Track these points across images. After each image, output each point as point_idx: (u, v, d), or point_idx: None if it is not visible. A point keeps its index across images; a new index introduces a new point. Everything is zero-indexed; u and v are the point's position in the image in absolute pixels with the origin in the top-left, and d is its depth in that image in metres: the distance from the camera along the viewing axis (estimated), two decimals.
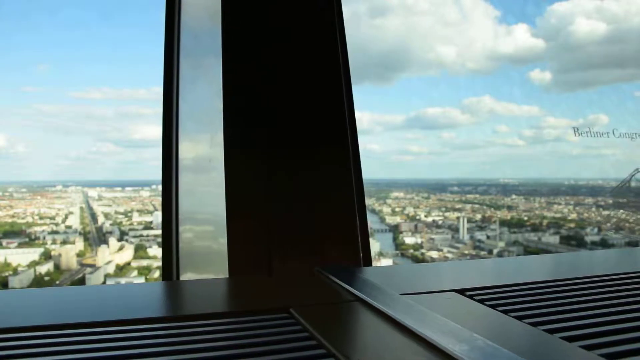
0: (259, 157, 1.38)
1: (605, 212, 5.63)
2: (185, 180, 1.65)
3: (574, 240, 5.86)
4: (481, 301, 0.95)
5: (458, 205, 6.68)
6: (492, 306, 0.92)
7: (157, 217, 5.35)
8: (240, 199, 1.34)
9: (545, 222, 6.19)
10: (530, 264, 1.58)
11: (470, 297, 0.98)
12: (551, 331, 0.79)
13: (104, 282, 5.50)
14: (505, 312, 0.89)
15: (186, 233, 1.65)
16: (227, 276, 1.27)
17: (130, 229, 6.02)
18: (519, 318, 0.85)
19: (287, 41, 1.45)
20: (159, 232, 1.70)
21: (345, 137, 1.45)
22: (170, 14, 1.72)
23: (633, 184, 3.12)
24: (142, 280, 5.51)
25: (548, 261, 1.68)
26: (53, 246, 5.84)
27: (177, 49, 1.70)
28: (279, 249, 1.35)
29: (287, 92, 1.43)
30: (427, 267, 1.58)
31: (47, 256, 5.72)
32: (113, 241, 5.92)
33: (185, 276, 1.62)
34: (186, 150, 1.66)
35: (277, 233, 1.36)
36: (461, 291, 1.01)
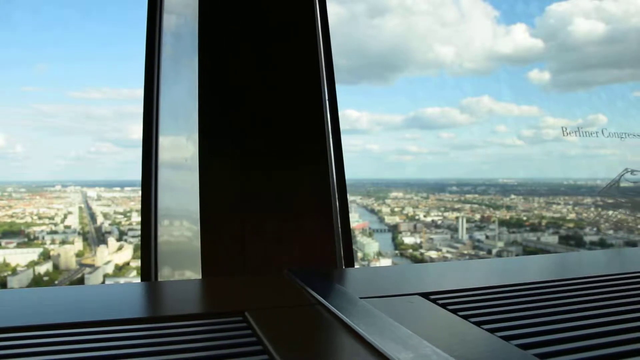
0: (233, 156, 1.36)
1: (593, 212, 5.63)
2: (165, 180, 1.63)
3: (572, 240, 5.86)
4: (444, 305, 0.94)
5: (457, 205, 6.68)
6: (454, 311, 0.91)
7: None
8: (214, 198, 1.32)
9: (544, 222, 6.20)
10: (503, 267, 1.56)
11: (434, 300, 0.97)
12: (508, 338, 0.77)
13: (103, 282, 5.50)
14: (465, 317, 0.88)
15: (165, 233, 1.63)
16: (200, 277, 1.25)
17: (130, 229, 6.02)
18: (478, 324, 0.84)
19: (264, 40, 1.43)
20: None
21: (323, 137, 1.43)
22: (152, 12, 1.70)
23: (622, 184, 3.13)
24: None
25: (521, 264, 1.65)
26: (52, 246, 5.84)
27: (158, 47, 1.68)
28: (253, 250, 1.33)
29: (264, 92, 1.41)
30: (397, 270, 1.53)
31: (46, 256, 5.71)
32: (112, 241, 5.92)
33: (164, 277, 1.61)
34: (165, 149, 1.64)
35: (252, 233, 1.34)
36: (426, 295, 1.00)
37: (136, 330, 0.81)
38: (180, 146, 1.50)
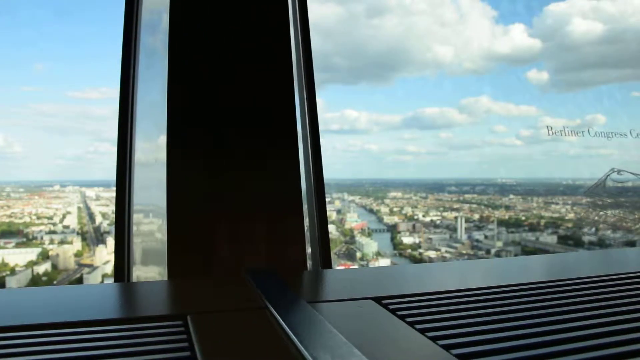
0: (202, 156, 1.34)
1: (583, 212, 5.64)
2: (139, 180, 1.62)
3: (571, 240, 5.87)
4: (394, 310, 0.93)
5: (456, 205, 6.68)
6: (402, 317, 0.89)
7: None
8: (181, 199, 1.30)
9: (542, 221, 6.21)
10: (466, 270, 1.53)
11: (386, 305, 0.95)
12: (448, 347, 0.76)
13: (102, 282, 5.50)
14: (412, 323, 0.86)
15: (140, 234, 1.62)
16: (166, 278, 1.23)
17: None
18: (423, 331, 0.82)
19: (235, 38, 1.41)
20: None
21: (293, 137, 1.41)
22: (130, 10, 1.68)
23: (609, 183, 3.14)
24: None
25: (485, 267, 1.62)
26: (50, 246, 5.83)
27: (134, 46, 1.66)
28: (220, 251, 1.31)
29: (235, 91, 1.39)
30: (358, 273, 1.49)
31: (44, 256, 5.71)
32: (111, 241, 5.91)
33: (140, 277, 1.60)
34: (140, 149, 1.63)
35: (219, 234, 1.32)
36: (379, 299, 0.99)
37: (64, 335, 0.80)
38: (155, 145, 1.49)
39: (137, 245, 1.61)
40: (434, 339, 0.79)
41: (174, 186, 1.30)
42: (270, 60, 1.43)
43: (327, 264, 1.47)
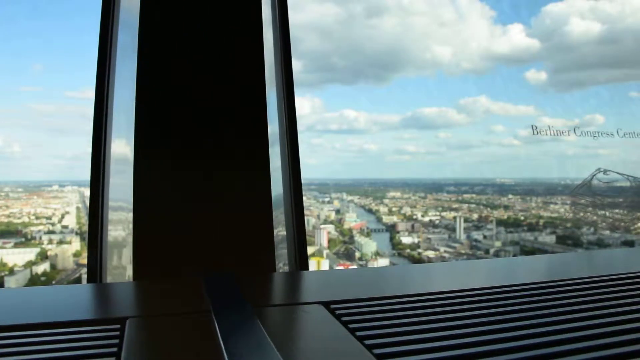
0: (169, 157, 1.33)
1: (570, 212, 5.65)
2: (113, 180, 1.60)
3: (570, 240, 5.88)
4: (339, 316, 0.91)
5: (455, 205, 6.69)
6: (346, 322, 0.88)
7: None
8: (147, 200, 1.29)
9: (541, 221, 6.21)
10: (430, 274, 1.50)
11: (333, 310, 0.94)
12: (382, 356, 0.74)
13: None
14: (353, 330, 0.84)
15: (112, 234, 1.60)
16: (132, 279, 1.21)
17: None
18: (362, 338, 0.80)
19: (206, 39, 1.38)
20: None
21: (264, 138, 1.38)
22: (107, 8, 1.67)
23: (594, 183, 3.15)
24: None
25: (451, 270, 1.58)
26: (49, 246, 5.83)
27: (110, 45, 1.65)
28: (186, 253, 1.29)
29: (204, 91, 1.37)
30: (314, 276, 1.46)
31: (43, 256, 5.70)
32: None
33: (110, 278, 1.58)
34: (113, 148, 1.62)
35: (185, 236, 1.30)
36: (328, 304, 0.97)
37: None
38: (122, 146, 1.48)
39: (112, 246, 1.59)
40: (370, 348, 0.76)
41: (140, 187, 1.27)
42: (242, 60, 1.40)
43: (304, 265, 1.45)
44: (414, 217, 6.54)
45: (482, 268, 1.65)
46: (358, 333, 0.82)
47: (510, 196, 6.65)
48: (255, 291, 1.11)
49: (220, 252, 1.32)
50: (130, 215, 1.43)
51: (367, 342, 0.79)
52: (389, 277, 1.47)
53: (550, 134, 4.26)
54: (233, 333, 0.79)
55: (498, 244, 6.21)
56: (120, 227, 1.59)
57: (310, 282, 1.34)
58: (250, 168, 1.37)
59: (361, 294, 1.06)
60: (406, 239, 6.34)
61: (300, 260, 1.46)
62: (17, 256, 5.61)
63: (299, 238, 1.48)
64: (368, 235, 6.38)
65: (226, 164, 1.37)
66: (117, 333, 0.81)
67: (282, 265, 1.52)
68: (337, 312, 0.93)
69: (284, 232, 1.52)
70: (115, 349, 0.74)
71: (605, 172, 3.05)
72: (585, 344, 0.79)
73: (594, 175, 3.08)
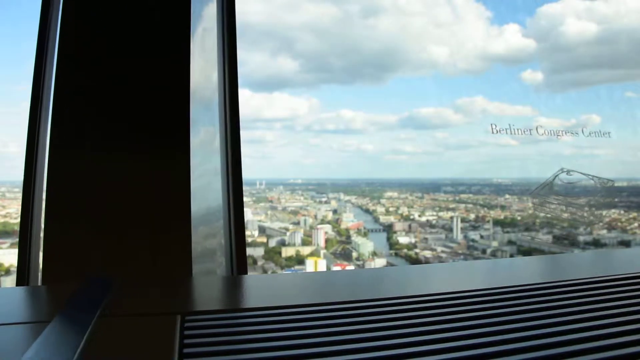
0: (85, 157, 1.29)
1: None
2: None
3: (566, 240, 5.89)
4: (186, 328, 0.83)
5: (452, 205, 6.70)
6: (185, 336, 0.79)
7: None
8: (60, 201, 1.24)
9: (538, 221, 6.22)
10: (322, 282, 1.37)
11: (184, 322, 0.86)
12: None
13: None
14: (186, 345, 0.76)
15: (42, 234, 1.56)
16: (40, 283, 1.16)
17: None
18: (187, 355, 0.73)
19: (130, 37, 1.35)
20: None
21: (185, 144, 1.33)
22: (46, 7, 1.64)
23: (556, 183, 3.14)
24: None
25: (336, 278, 1.46)
26: None
27: (47, 43, 1.62)
28: (98, 255, 1.25)
29: (126, 91, 1.33)
30: (223, 281, 1.35)
31: None
32: None
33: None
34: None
35: (98, 236, 1.25)
36: (187, 314, 0.89)
37: None
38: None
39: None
40: None
41: (53, 187, 1.23)
42: (168, 61, 1.36)
43: (242, 270, 1.41)
44: (411, 217, 6.54)
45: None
46: (187, 350, 0.74)
47: (507, 196, 6.66)
48: (124, 300, 1.02)
49: (131, 256, 1.27)
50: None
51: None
52: (266, 284, 1.32)
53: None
54: (47, 344, 0.72)
55: (495, 243, 6.22)
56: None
57: (204, 288, 1.22)
58: (167, 169, 1.32)
59: (244, 304, 0.97)
60: (403, 239, 6.34)
61: (238, 265, 1.41)
62: (14, 256, 5.59)
63: (238, 242, 1.43)
64: (365, 235, 6.38)
65: (143, 166, 1.31)
66: None
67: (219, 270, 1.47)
68: (187, 324, 0.85)
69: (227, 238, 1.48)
70: None
71: (568, 172, 3.05)
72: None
73: (557, 175, 3.08)
